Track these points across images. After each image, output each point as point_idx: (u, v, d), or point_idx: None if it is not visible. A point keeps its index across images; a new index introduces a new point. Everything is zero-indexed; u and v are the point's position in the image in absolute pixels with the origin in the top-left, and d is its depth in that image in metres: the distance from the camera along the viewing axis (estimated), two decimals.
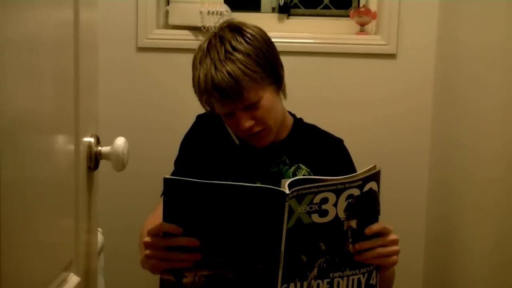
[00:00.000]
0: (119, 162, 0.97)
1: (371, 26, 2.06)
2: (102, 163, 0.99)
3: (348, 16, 2.08)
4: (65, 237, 0.90)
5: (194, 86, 1.33)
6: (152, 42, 1.99)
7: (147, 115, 2.01)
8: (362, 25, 2.03)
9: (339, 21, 2.12)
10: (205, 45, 1.31)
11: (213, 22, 1.92)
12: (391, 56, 1.99)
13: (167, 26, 2.06)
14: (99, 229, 1.16)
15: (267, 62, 1.32)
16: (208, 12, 1.94)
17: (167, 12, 2.05)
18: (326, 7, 2.17)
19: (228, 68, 1.25)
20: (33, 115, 0.75)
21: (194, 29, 1.96)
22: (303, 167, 1.40)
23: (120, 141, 0.98)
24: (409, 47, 1.99)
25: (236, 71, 1.26)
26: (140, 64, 2.01)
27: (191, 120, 1.51)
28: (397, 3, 1.96)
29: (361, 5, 2.10)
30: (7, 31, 0.66)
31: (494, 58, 1.53)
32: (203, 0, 1.96)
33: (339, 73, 2.01)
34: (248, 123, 1.30)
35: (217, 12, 1.94)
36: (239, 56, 1.27)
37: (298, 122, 1.51)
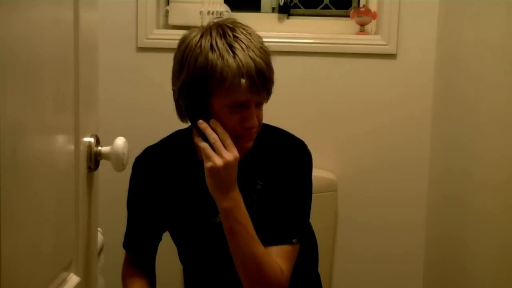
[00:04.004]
0: (119, 162, 0.97)
1: (371, 26, 2.06)
2: (102, 163, 0.99)
3: (348, 16, 2.08)
4: (65, 237, 0.90)
5: (222, 70, 1.21)
6: (152, 42, 1.99)
7: (147, 115, 2.01)
8: (362, 25, 2.04)
9: (339, 21, 2.12)
10: (227, 32, 1.24)
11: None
12: (391, 56, 1.99)
13: (167, 26, 2.06)
14: (99, 229, 1.16)
15: None
16: (208, 12, 1.95)
17: (167, 12, 2.05)
18: (326, 7, 2.18)
19: (264, 55, 1.24)
20: (33, 115, 0.75)
21: None
22: (259, 182, 1.36)
23: (120, 141, 0.98)
24: (409, 47, 1.99)
25: (270, 62, 1.26)
26: (140, 64, 2.01)
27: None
28: (397, 3, 1.96)
29: (361, 5, 2.10)
30: (6, 31, 0.66)
31: (494, 58, 1.53)
32: (203, 0, 1.96)
33: (339, 73, 2.01)
34: (257, 120, 1.28)
35: (217, 12, 1.95)
36: (266, 48, 1.26)
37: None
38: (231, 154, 1.22)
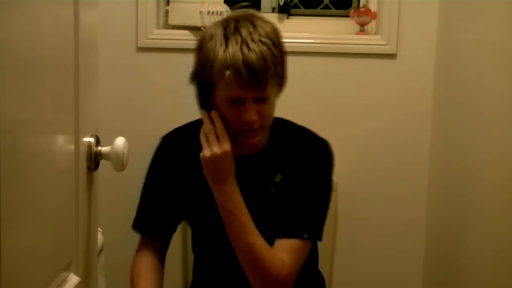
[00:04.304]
0: (119, 162, 0.97)
1: (371, 26, 2.06)
2: (102, 163, 0.99)
3: (348, 16, 2.08)
4: (65, 237, 0.90)
5: (212, 62, 1.23)
6: (152, 42, 1.99)
7: (147, 115, 2.01)
8: (362, 25, 2.03)
9: (339, 21, 2.12)
10: (230, 24, 1.25)
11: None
12: (391, 56, 1.99)
13: (167, 26, 2.06)
14: (99, 229, 1.16)
15: (283, 59, 1.31)
16: (208, 12, 1.94)
17: (167, 12, 2.05)
18: (326, 7, 2.17)
19: (261, 49, 1.22)
20: (33, 115, 0.75)
21: (194, 29, 1.96)
22: (278, 175, 1.36)
23: (120, 141, 0.98)
24: (409, 47, 1.99)
25: (267, 57, 1.22)
26: (140, 64, 2.01)
27: (191, 120, 1.51)
28: (397, 3, 1.96)
29: (361, 5, 2.10)
30: (7, 30, 0.66)
31: (494, 58, 1.53)
32: (203, 0, 1.96)
33: (339, 73, 2.01)
34: (254, 116, 1.26)
35: (217, 12, 1.95)
36: (269, 42, 1.24)
37: (277, 125, 1.40)
38: (220, 147, 1.24)
